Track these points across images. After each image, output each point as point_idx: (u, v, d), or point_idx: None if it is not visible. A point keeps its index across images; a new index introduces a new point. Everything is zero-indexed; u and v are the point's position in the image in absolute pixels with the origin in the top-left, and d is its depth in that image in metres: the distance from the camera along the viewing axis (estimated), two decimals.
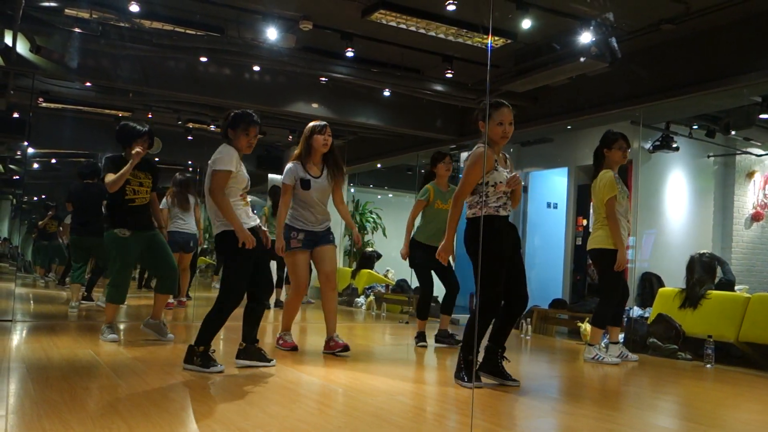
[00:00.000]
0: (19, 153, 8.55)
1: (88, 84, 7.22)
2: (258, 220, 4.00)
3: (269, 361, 4.01)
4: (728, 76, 5.50)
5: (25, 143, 7.64)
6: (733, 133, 7.97)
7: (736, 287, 6.31)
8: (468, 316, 6.19)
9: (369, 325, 7.73)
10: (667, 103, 6.16)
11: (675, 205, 8.32)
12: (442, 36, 5.89)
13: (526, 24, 5.46)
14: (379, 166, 11.07)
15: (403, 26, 5.68)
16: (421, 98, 7.51)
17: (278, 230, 4.55)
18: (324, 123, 4.72)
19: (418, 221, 5.59)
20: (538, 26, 5.63)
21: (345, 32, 6.06)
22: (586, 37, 5.57)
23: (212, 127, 8.76)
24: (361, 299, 9.60)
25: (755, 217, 8.78)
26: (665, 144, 7.91)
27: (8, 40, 5.85)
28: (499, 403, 3.43)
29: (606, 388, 4.26)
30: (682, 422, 3.44)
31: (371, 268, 10.50)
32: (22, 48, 6.01)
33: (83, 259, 6.49)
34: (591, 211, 5.23)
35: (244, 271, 3.83)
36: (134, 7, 5.40)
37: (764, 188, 8.86)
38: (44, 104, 7.49)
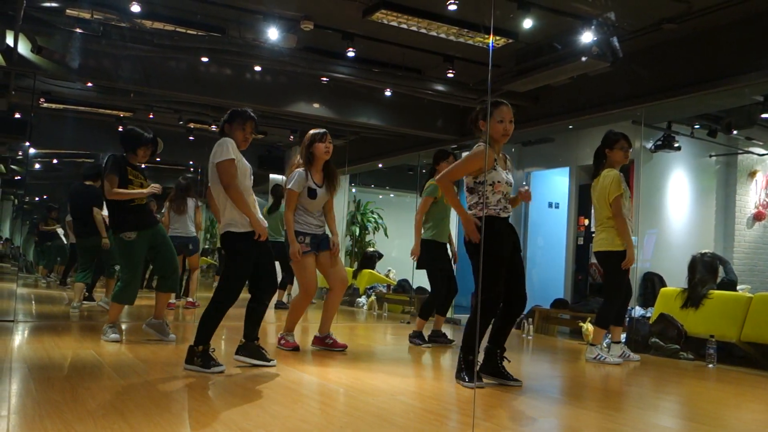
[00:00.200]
0: (20, 153, 8.56)
1: (90, 84, 7.22)
2: (265, 220, 4.00)
3: (269, 360, 4.00)
4: (730, 76, 5.49)
5: (27, 144, 7.66)
6: (734, 132, 7.96)
7: (738, 287, 6.31)
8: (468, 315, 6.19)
9: (370, 325, 7.73)
10: (669, 103, 6.15)
11: (677, 205, 8.31)
12: (443, 36, 5.88)
13: (528, 24, 5.46)
14: (380, 166, 11.07)
15: (404, 26, 5.68)
16: (422, 98, 7.50)
17: (291, 236, 4.54)
18: (324, 131, 4.72)
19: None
20: (540, 26, 5.62)
21: (346, 32, 6.05)
22: (587, 37, 5.56)
23: (213, 128, 8.75)
24: (362, 299, 9.60)
25: (757, 217, 8.77)
26: (667, 144, 7.91)
27: (9, 40, 5.85)
28: (501, 403, 3.43)
29: (608, 388, 4.26)
30: (684, 422, 3.44)
31: (372, 268, 10.51)
32: (23, 48, 6.02)
33: (88, 259, 6.50)
34: (593, 211, 5.22)
35: (244, 271, 3.85)
36: (135, 8, 5.40)
37: (766, 188, 8.85)
38: (45, 105, 7.50)
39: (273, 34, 5.82)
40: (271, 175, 10.16)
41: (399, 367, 4.62)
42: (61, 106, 7.77)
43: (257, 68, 7.04)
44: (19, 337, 5.01)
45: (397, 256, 11.61)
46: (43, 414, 2.68)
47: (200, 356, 3.74)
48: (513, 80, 6.43)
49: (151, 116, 8.28)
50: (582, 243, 8.41)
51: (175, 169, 9.20)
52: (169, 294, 4.94)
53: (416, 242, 5.39)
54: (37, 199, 9.48)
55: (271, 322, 6.93)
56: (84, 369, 3.79)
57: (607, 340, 5.20)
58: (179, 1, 5.67)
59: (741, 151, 8.64)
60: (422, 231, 5.47)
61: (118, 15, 5.61)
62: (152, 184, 4.79)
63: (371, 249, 11.23)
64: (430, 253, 5.41)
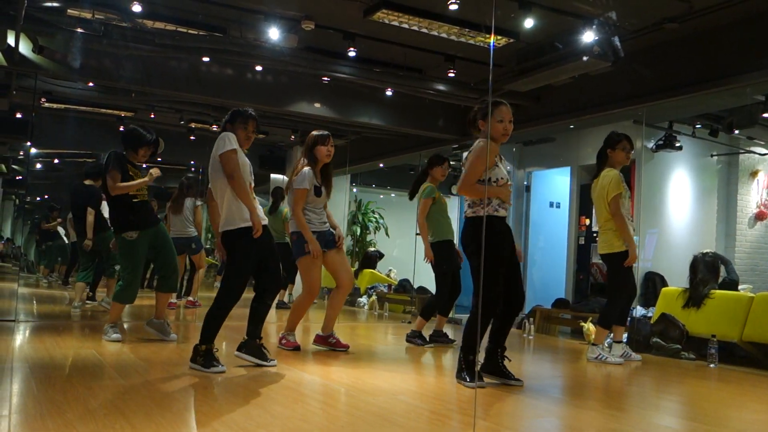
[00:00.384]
0: (21, 153, 8.56)
1: (91, 84, 7.23)
2: (267, 219, 4.00)
3: (268, 360, 3.99)
4: (731, 75, 5.49)
5: (28, 143, 7.66)
6: (736, 132, 7.95)
7: (739, 287, 6.30)
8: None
9: (371, 324, 7.72)
10: (670, 103, 6.15)
11: (678, 205, 8.30)
12: (444, 35, 5.88)
13: (529, 23, 5.46)
14: (381, 165, 11.07)
15: (406, 26, 5.68)
16: (423, 98, 7.50)
17: (308, 235, 4.55)
18: (327, 133, 4.73)
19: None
20: (541, 25, 5.62)
21: (347, 32, 6.05)
22: (588, 37, 5.56)
23: (214, 127, 8.76)
24: (363, 299, 9.60)
25: (759, 217, 8.76)
26: (668, 143, 7.90)
27: (11, 40, 5.86)
28: (502, 403, 3.43)
29: (609, 388, 4.26)
30: (686, 422, 3.43)
31: (374, 267, 10.50)
32: (24, 48, 6.02)
33: (89, 259, 6.50)
34: (594, 212, 5.22)
35: (244, 269, 3.84)
36: (136, 8, 5.41)
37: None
38: (47, 104, 7.50)
39: (274, 33, 5.82)
40: (272, 175, 10.16)
41: (400, 366, 4.62)
42: (63, 106, 7.78)
43: (258, 68, 7.04)
44: (21, 337, 5.01)
45: (398, 256, 11.62)
46: (44, 413, 2.68)
47: (203, 355, 3.76)
48: (514, 80, 6.43)
49: (152, 116, 8.28)
50: (583, 243, 8.41)
51: (176, 169, 9.21)
52: (169, 294, 4.94)
53: (426, 246, 5.36)
54: (38, 198, 9.48)
55: (272, 322, 6.93)
56: (85, 368, 3.79)
57: (608, 340, 5.20)
58: (180, 1, 5.67)
59: (742, 151, 8.64)
60: (445, 232, 5.47)
61: (119, 15, 5.61)
62: (151, 169, 4.79)
63: (372, 249, 11.23)
64: (436, 255, 5.40)
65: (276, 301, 8.27)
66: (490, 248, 3.54)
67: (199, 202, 7.17)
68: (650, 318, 6.23)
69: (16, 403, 2.88)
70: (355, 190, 11.93)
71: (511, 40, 5.97)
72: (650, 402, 3.68)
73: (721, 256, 6.45)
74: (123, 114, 8.20)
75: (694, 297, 5.93)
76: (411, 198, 5.72)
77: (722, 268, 6.28)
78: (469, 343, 3.72)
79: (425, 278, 8.31)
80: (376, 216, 12.29)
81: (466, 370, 3.72)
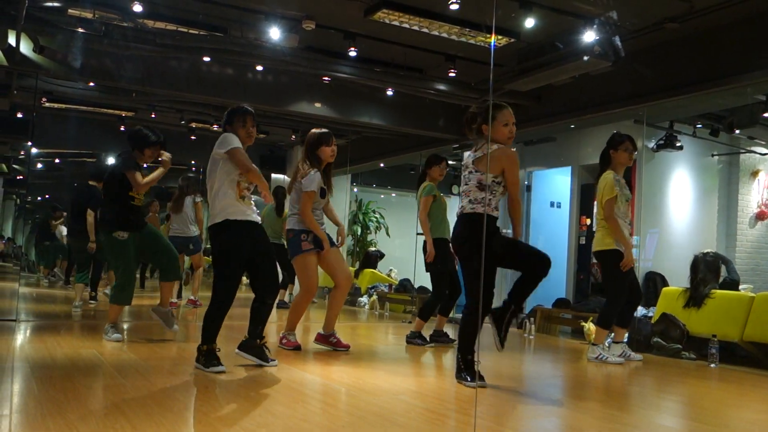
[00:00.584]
0: (22, 153, 8.56)
1: (92, 84, 7.23)
2: (259, 218, 3.99)
3: (268, 360, 3.97)
4: (732, 75, 5.48)
5: (29, 143, 7.66)
6: (737, 131, 7.94)
7: (740, 287, 6.30)
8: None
9: (372, 324, 7.73)
10: (671, 102, 6.15)
11: (679, 204, 8.30)
12: (445, 35, 5.88)
13: (530, 23, 5.45)
14: (381, 165, 11.07)
15: (406, 26, 5.68)
16: (424, 98, 7.50)
17: (320, 233, 4.59)
18: (328, 132, 4.74)
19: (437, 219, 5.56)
20: (542, 25, 5.62)
21: (348, 32, 6.05)
22: (589, 36, 5.56)
23: (215, 127, 8.76)
24: (364, 299, 9.60)
25: (759, 216, 8.75)
26: (669, 143, 7.90)
27: (12, 40, 5.86)
28: (502, 403, 3.43)
29: (610, 388, 4.25)
30: (687, 422, 3.43)
31: (374, 267, 10.50)
32: (25, 48, 6.02)
33: (86, 260, 6.50)
34: (594, 211, 5.24)
35: (233, 264, 3.80)
36: (137, 7, 5.41)
37: None
38: (47, 104, 7.51)
39: (275, 33, 5.82)
40: (273, 175, 10.16)
41: (400, 366, 4.62)
42: (63, 106, 7.78)
43: (259, 68, 7.04)
44: (21, 337, 5.02)
45: (399, 256, 11.61)
46: (45, 413, 2.68)
47: (204, 355, 3.77)
48: (515, 79, 6.43)
49: (153, 116, 8.29)
50: (584, 242, 8.41)
51: (177, 169, 9.21)
52: (173, 283, 4.98)
53: (429, 243, 5.34)
54: (39, 198, 9.49)
55: (273, 322, 6.94)
56: (86, 368, 3.79)
57: (609, 340, 5.20)
58: (181, 1, 5.67)
59: (743, 151, 8.63)
60: (438, 230, 5.48)
61: (120, 15, 5.61)
62: (163, 156, 4.81)
63: (373, 249, 11.23)
64: (449, 253, 5.39)
65: (276, 300, 8.29)
66: (486, 247, 3.54)
67: (198, 199, 7.16)
68: (651, 318, 6.22)
69: (16, 403, 2.88)
70: (355, 189, 11.93)
71: (512, 40, 5.97)
72: (651, 402, 3.68)
73: (722, 256, 6.44)
74: (124, 114, 8.21)
75: (695, 297, 5.92)
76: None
77: (723, 268, 6.28)
78: (466, 343, 3.73)
79: (426, 278, 8.28)
80: (377, 216, 12.29)
81: (465, 369, 3.72)
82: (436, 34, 5.84)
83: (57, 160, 9.18)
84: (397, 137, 9.19)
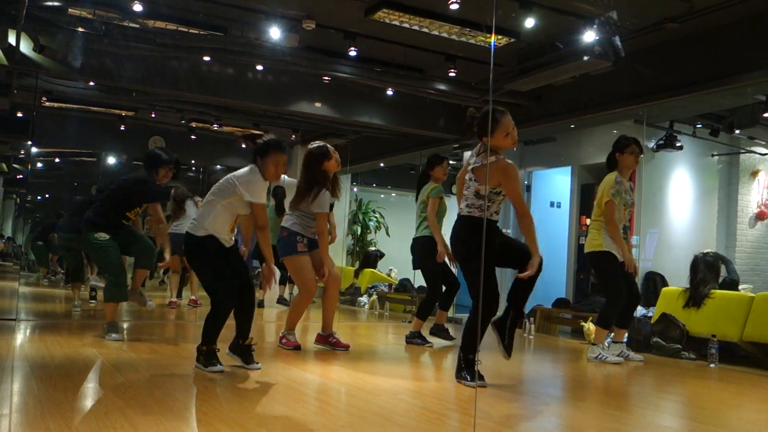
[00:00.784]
0: (22, 152, 8.56)
1: (92, 83, 7.23)
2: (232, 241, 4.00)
3: (249, 362, 3.91)
4: (732, 75, 5.48)
5: (29, 142, 7.66)
6: (737, 132, 7.94)
7: (740, 287, 6.30)
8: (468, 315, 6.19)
9: (372, 324, 7.73)
10: (671, 102, 6.15)
11: (679, 204, 8.30)
12: (445, 35, 5.88)
13: (530, 23, 5.45)
14: (381, 165, 11.07)
15: (406, 25, 5.68)
16: (424, 97, 7.50)
17: (326, 256, 4.69)
18: (325, 146, 4.68)
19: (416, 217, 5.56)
20: (542, 25, 5.62)
21: (348, 31, 6.05)
22: (589, 36, 5.56)
23: (215, 127, 8.77)
24: (364, 298, 9.60)
25: (759, 216, 8.76)
26: (669, 143, 7.90)
27: (12, 39, 5.86)
28: (502, 403, 3.43)
29: (609, 388, 4.26)
30: (686, 422, 3.43)
31: (374, 267, 10.51)
32: (25, 47, 6.02)
33: (76, 259, 6.49)
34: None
35: (216, 268, 3.81)
36: (137, 7, 5.41)
37: None
38: (48, 104, 7.50)
39: (275, 33, 5.82)
40: None
41: (400, 366, 4.62)
42: (64, 105, 7.78)
43: (259, 67, 7.04)
44: (21, 336, 5.02)
45: (399, 256, 11.60)
46: (44, 412, 2.68)
47: (203, 355, 3.78)
48: (515, 79, 6.43)
49: (153, 115, 8.28)
50: (584, 242, 8.40)
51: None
52: (145, 270, 5.16)
53: (439, 242, 5.30)
54: (39, 198, 9.49)
55: (271, 321, 6.94)
56: (86, 367, 3.80)
57: (608, 339, 5.20)
58: (181, 1, 5.67)
59: (743, 151, 8.63)
60: (418, 229, 5.49)
61: (120, 14, 5.61)
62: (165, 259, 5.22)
63: (372, 248, 11.23)
64: (425, 252, 5.39)
65: (276, 297, 8.29)
66: (482, 249, 3.55)
67: (198, 199, 7.14)
68: (650, 318, 6.23)
69: (16, 402, 2.88)
70: (355, 189, 11.93)
71: (512, 40, 5.97)
72: (650, 402, 3.68)
73: (722, 256, 6.45)
74: (124, 113, 8.21)
75: (695, 297, 5.93)
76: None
77: (723, 268, 6.28)
78: (469, 343, 3.73)
79: None
80: (377, 215, 12.29)
81: (466, 369, 3.72)
82: (436, 33, 5.84)
83: (57, 160, 9.18)
84: (397, 137, 9.19)
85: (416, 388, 3.81)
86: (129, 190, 4.79)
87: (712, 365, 5.02)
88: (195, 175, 9.36)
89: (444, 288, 5.48)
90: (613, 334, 5.15)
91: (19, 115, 7.59)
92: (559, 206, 9.54)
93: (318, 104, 7.69)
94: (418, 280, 9.43)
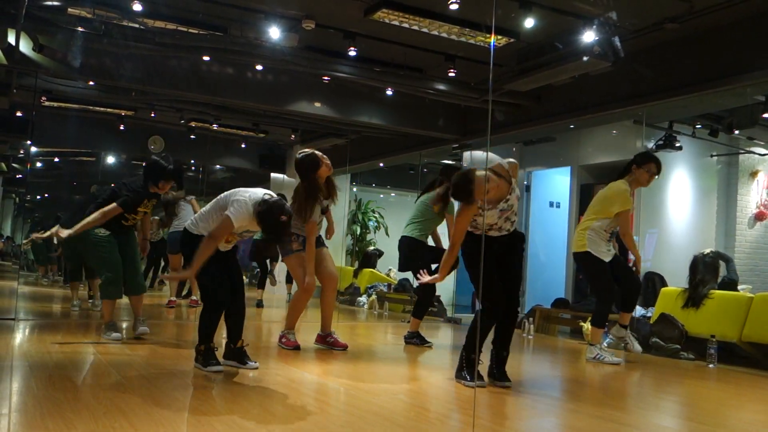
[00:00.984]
0: (22, 152, 8.56)
1: (91, 83, 7.22)
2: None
3: (245, 362, 3.91)
4: (732, 76, 5.48)
5: (28, 142, 7.66)
6: (736, 132, 7.95)
7: (739, 287, 6.30)
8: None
9: (371, 324, 7.73)
10: (670, 103, 6.15)
11: (678, 205, 8.30)
12: (444, 35, 5.88)
13: (529, 23, 5.45)
14: (381, 165, 11.06)
15: (406, 25, 5.68)
16: (423, 97, 7.50)
17: (311, 269, 4.61)
18: (313, 153, 4.59)
19: (414, 218, 5.56)
20: (541, 25, 5.62)
21: (347, 31, 6.05)
22: (588, 37, 5.56)
23: (215, 126, 8.76)
24: (363, 298, 9.60)
25: (758, 217, 8.76)
26: (668, 143, 7.90)
27: (11, 39, 5.86)
28: (501, 403, 3.43)
29: (608, 388, 4.26)
30: (685, 422, 3.44)
31: (373, 267, 10.51)
32: (24, 47, 6.02)
33: (75, 259, 6.49)
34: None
35: (207, 269, 3.77)
36: (137, 6, 5.41)
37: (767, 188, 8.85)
38: (47, 103, 7.50)
39: (274, 33, 5.82)
40: (273, 174, 10.16)
41: (399, 366, 4.62)
42: (63, 105, 7.77)
43: (259, 67, 7.03)
44: (20, 336, 5.02)
45: (398, 256, 11.59)
46: (44, 412, 2.68)
47: (201, 354, 3.79)
48: (514, 79, 6.43)
49: (152, 115, 8.28)
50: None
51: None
52: (136, 296, 4.88)
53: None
54: (38, 197, 9.49)
55: (272, 321, 6.94)
56: (85, 367, 3.80)
57: (607, 339, 5.20)
58: (181, 0, 5.67)
59: (742, 151, 8.64)
60: (407, 228, 5.50)
61: (119, 14, 5.61)
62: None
63: (371, 248, 11.23)
64: (412, 252, 5.41)
65: (286, 297, 8.31)
66: (487, 253, 3.61)
67: (190, 197, 7.14)
68: (650, 318, 6.23)
69: (15, 402, 2.88)
70: (355, 189, 11.93)
71: (512, 40, 5.97)
72: (649, 402, 3.68)
73: (723, 254, 6.47)
74: (123, 113, 8.20)
75: (694, 297, 5.93)
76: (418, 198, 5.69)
77: (723, 266, 6.30)
78: (471, 342, 3.75)
79: None
80: (376, 215, 12.29)
81: (466, 368, 3.73)
82: (436, 33, 5.84)
83: (56, 159, 9.18)
84: (396, 137, 9.19)
85: (415, 388, 3.81)
86: (117, 197, 4.70)
87: (710, 365, 5.03)
88: (194, 175, 9.36)
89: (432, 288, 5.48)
90: (610, 334, 5.17)
91: (19, 114, 7.58)
92: (558, 206, 9.55)
93: (317, 104, 7.69)
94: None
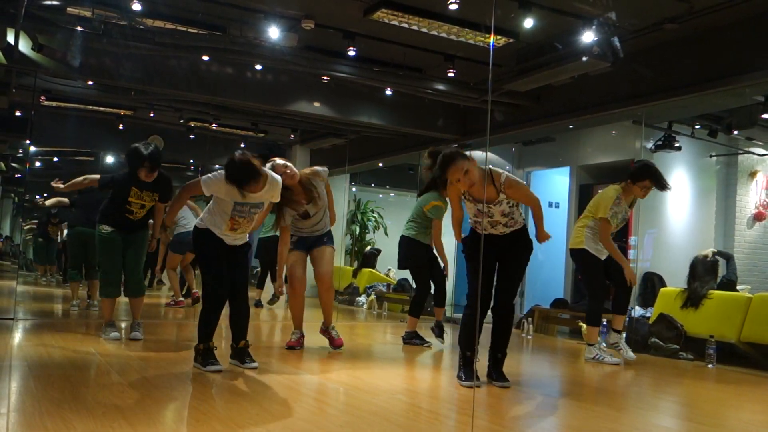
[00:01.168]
0: (21, 151, 8.55)
1: (90, 82, 7.21)
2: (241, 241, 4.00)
3: (243, 362, 3.93)
4: (731, 76, 5.49)
5: (27, 141, 7.65)
6: (735, 132, 7.95)
7: (738, 287, 6.31)
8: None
9: (370, 324, 7.73)
10: (670, 103, 6.15)
11: (677, 205, 8.31)
12: (444, 35, 5.88)
13: (529, 23, 5.45)
14: (380, 165, 11.06)
15: (405, 25, 5.67)
16: (423, 97, 7.50)
17: (280, 272, 4.69)
18: (273, 164, 4.40)
19: (411, 218, 5.58)
20: (541, 25, 5.62)
21: (347, 31, 6.05)
22: (588, 37, 5.56)
23: (214, 126, 8.75)
24: (362, 298, 9.60)
25: (757, 217, 8.77)
26: (667, 144, 7.90)
27: (10, 38, 5.85)
28: (500, 403, 3.43)
29: (607, 388, 4.26)
30: (684, 422, 3.44)
31: (373, 267, 10.51)
32: (24, 46, 6.01)
33: (78, 257, 6.48)
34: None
35: (209, 265, 3.84)
36: (136, 6, 5.40)
37: (766, 188, 8.85)
38: (46, 103, 7.49)
39: (274, 32, 5.81)
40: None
41: (398, 366, 4.62)
42: (62, 104, 7.76)
43: (258, 67, 7.03)
44: (19, 335, 5.02)
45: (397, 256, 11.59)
46: (42, 412, 2.68)
47: (200, 354, 3.80)
48: (514, 80, 6.43)
49: (151, 114, 8.28)
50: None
51: (177, 168, 9.21)
52: (135, 299, 4.84)
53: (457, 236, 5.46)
54: (37, 197, 9.48)
55: (275, 321, 6.94)
56: (84, 367, 3.79)
57: (605, 340, 5.21)
58: (180, 0, 5.66)
59: (741, 152, 8.64)
60: (405, 226, 5.55)
61: (119, 13, 5.60)
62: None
63: (370, 247, 11.24)
64: (409, 250, 5.47)
65: (254, 301, 8.31)
66: (486, 250, 3.68)
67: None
68: (648, 318, 6.23)
69: (14, 402, 2.88)
70: (354, 189, 11.92)
71: (511, 40, 5.97)
72: (648, 402, 3.69)
73: (723, 253, 6.49)
74: (122, 113, 8.19)
75: (693, 297, 5.94)
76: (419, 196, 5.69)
77: (723, 264, 6.31)
78: (463, 340, 3.82)
79: None
80: (375, 215, 12.29)
81: (462, 366, 3.76)
82: (436, 33, 5.83)
83: (55, 159, 9.17)
84: (396, 137, 9.19)
85: (414, 388, 3.82)
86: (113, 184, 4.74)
87: (709, 366, 5.03)
88: (193, 174, 9.35)
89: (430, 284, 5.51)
90: (607, 334, 5.18)
91: (18, 114, 7.58)
92: (557, 206, 9.55)
93: (317, 104, 7.69)
94: None
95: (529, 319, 7.17)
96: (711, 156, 8.61)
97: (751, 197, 8.75)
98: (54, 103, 7.65)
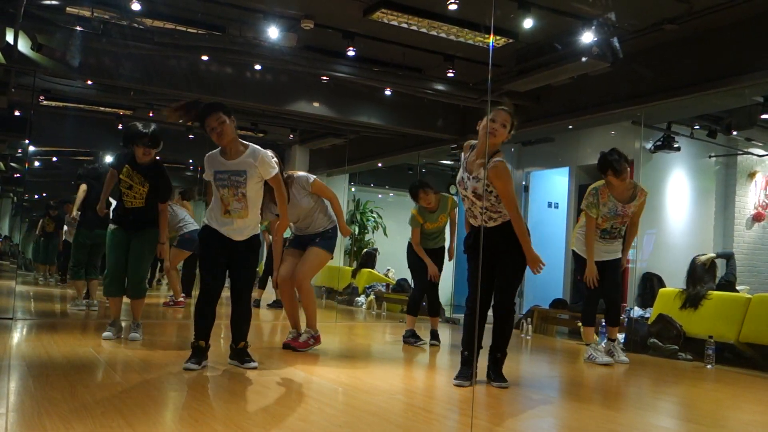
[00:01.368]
0: (20, 151, 8.55)
1: (90, 82, 7.21)
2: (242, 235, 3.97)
3: (242, 362, 3.94)
4: (730, 76, 5.49)
5: (26, 141, 7.65)
6: (734, 133, 7.96)
7: (737, 287, 6.31)
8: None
9: (369, 324, 7.73)
10: (669, 103, 6.16)
11: (676, 206, 8.30)
12: (443, 35, 5.88)
13: (528, 23, 5.46)
14: (380, 165, 11.06)
15: (405, 25, 5.68)
16: (422, 97, 7.50)
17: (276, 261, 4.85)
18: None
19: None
20: (540, 26, 5.62)
21: (346, 31, 6.05)
22: (587, 37, 5.57)
23: None
24: (361, 298, 9.60)
25: (756, 218, 8.77)
26: (666, 144, 7.90)
27: (10, 38, 5.85)
28: (499, 403, 3.43)
29: (606, 389, 4.26)
30: (683, 423, 3.44)
31: (372, 267, 10.51)
32: (23, 46, 6.01)
33: (82, 256, 6.48)
34: None
35: (204, 258, 3.93)
36: (136, 6, 5.40)
37: (766, 189, 8.85)
38: (45, 102, 7.49)
39: (273, 32, 5.81)
40: None
41: (397, 366, 4.62)
42: (61, 104, 7.77)
43: (258, 67, 7.03)
44: (18, 335, 5.01)
45: (397, 256, 11.59)
46: (41, 411, 2.68)
47: (194, 350, 3.82)
48: (513, 80, 6.44)
49: (151, 114, 8.28)
50: None
51: (176, 168, 9.20)
52: (139, 300, 4.79)
53: (452, 240, 5.67)
54: (36, 196, 9.48)
55: (275, 321, 6.94)
56: (82, 366, 3.79)
57: (604, 341, 5.22)
58: (180, 0, 5.66)
59: (740, 152, 8.64)
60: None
61: (118, 13, 5.60)
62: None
63: (369, 247, 11.24)
64: (409, 254, 5.60)
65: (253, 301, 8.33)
66: (485, 251, 3.72)
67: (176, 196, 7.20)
68: (648, 319, 6.23)
69: (13, 401, 2.88)
70: (353, 189, 11.93)
71: (511, 40, 5.98)
72: (647, 402, 3.69)
73: (724, 253, 6.50)
74: (122, 112, 8.19)
75: (692, 298, 5.94)
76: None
77: (723, 264, 6.32)
78: (464, 338, 3.83)
79: None
80: (375, 215, 12.29)
81: (461, 365, 3.77)
82: (435, 34, 5.84)
83: (54, 158, 9.17)
84: (395, 137, 9.19)
85: (413, 388, 3.81)
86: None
87: (708, 366, 5.03)
88: (193, 174, 9.35)
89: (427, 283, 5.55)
90: (604, 333, 5.22)
91: (17, 113, 7.58)
92: (556, 207, 9.55)
93: (316, 104, 7.69)
94: None
95: (529, 319, 7.17)
96: (710, 156, 8.61)
97: (750, 198, 8.75)
98: (53, 103, 7.64)
